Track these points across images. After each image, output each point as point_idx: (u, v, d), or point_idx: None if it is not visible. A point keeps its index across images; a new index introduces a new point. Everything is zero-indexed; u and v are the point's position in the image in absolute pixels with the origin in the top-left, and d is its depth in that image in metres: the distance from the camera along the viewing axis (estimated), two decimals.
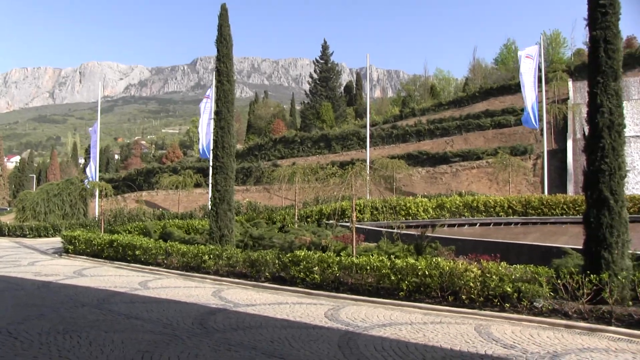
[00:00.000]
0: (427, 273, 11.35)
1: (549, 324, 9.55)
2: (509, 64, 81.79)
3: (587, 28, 10.93)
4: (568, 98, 49.42)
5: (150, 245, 18.49)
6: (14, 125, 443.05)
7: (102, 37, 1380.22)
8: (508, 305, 10.31)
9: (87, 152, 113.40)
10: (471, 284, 10.71)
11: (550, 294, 10.17)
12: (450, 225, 24.46)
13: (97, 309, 10.64)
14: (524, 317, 9.93)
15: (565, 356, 7.61)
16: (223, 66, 18.53)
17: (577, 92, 50.57)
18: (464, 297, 10.84)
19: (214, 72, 19.96)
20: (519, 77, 35.25)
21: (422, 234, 14.78)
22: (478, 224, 25.54)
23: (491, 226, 25.34)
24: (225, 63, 18.55)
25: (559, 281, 10.08)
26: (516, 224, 25.74)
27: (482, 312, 10.42)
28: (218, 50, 18.70)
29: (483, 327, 9.32)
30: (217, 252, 15.90)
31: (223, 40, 18.60)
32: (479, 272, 10.75)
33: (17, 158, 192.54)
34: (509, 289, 10.26)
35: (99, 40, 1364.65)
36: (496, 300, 10.48)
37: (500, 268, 10.59)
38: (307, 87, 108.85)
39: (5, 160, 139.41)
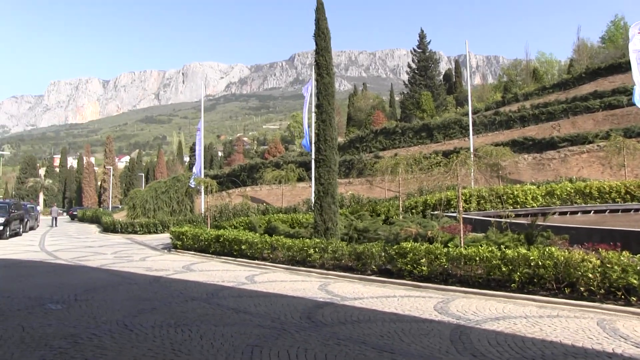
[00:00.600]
0: (540, 263, 10.79)
1: None
2: (618, 41, 77.67)
3: None
4: None
5: (255, 240, 18.68)
6: (124, 127, 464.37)
7: (203, 38, 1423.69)
8: (634, 299, 9.56)
9: (192, 150, 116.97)
10: (590, 275, 10.06)
11: None
12: (561, 213, 23.30)
13: (206, 303, 10.77)
14: None
15: None
16: (322, 59, 18.44)
17: None
18: (582, 289, 10.20)
19: (313, 66, 19.90)
20: (631, 53, 33.26)
21: (532, 222, 14.17)
22: (592, 211, 24.12)
23: (607, 213, 23.89)
24: (324, 56, 18.45)
25: None
26: (636, 210, 24.01)
27: (604, 305, 9.70)
28: (316, 44, 18.62)
29: (607, 323, 8.69)
30: (322, 246, 15.84)
31: (321, 34, 18.50)
32: (598, 262, 10.07)
33: (127, 158, 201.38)
34: (634, 281, 9.49)
35: (200, 42, 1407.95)
36: (620, 294, 9.76)
37: (622, 258, 9.87)
38: (405, 77, 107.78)
39: (117, 160, 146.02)
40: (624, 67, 54.20)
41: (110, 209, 78.75)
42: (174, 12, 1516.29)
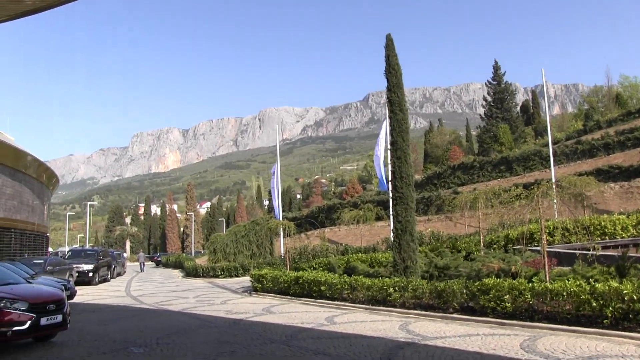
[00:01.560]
0: (635, 297, 10.18)
1: None
2: None
3: None
4: None
5: (334, 281, 18.54)
6: (204, 174, 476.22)
7: (278, 83, 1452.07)
8: None
9: (270, 194, 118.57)
10: None
11: None
12: None
13: (285, 345, 10.71)
14: None
15: None
16: (394, 96, 18.35)
17: None
18: None
19: (386, 103, 19.83)
20: None
21: (623, 254, 13.48)
22: None
23: None
24: (395, 92, 18.36)
25: None
26: None
27: None
28: (388, 80, 18.55)
29: None
30: (402, 284, 15.56)
31: (392, 70, 18.44)
32: None
33: (208, 204, 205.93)
34: None
35: (275, 87, 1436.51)
36: None
37: None
38: (480, 111, 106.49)
39: (198, 206, 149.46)
40: None
41: (192, 254, 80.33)
42: (249, 59, 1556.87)
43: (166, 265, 70.34)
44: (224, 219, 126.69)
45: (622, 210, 31.72)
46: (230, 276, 36.77)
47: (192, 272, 41.36)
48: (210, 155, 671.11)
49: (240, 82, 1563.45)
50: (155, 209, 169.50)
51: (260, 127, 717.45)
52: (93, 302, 21.80)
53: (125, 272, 50.08)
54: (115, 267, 41.57)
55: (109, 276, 37.94)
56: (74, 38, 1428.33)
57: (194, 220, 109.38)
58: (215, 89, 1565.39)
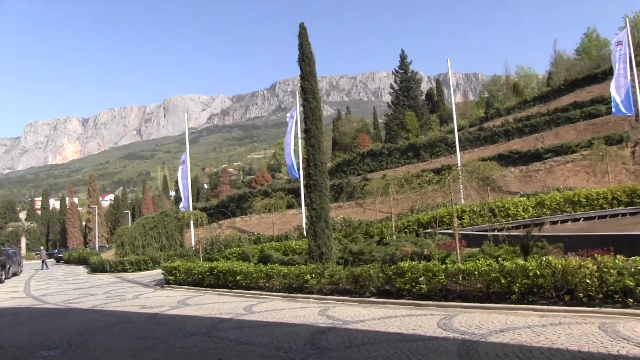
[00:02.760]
0: (538, 273, 10.86)
1: None
2: (592, 53, 79.44)
3: None
4: None
5: (250, 270, 18.56)
6: (106, 165, 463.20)
7: (182, 71, 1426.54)
8: (631, 300, 9.66)
9: (177, 184, 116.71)
10: (588, 281, 10.15)
11: None
12: (552, 223, 23.52)
13: (207, 337, 10.68)
14: None
15: None
16: (307, 84, 18.52)
17: None
18: (581, 295, 10.28)
19: (299, 91, 20.01)
20: (613, 64, 33.99)
21: (527, 233, 14.23)
22: (582, 219, 24.40)
23: (596, 220, 24.16)
24: (309, 81, 18.54)
25: None
26: (623, 215, 24.30)
27: (604, 309, 9.82)
28: (301, 69, 18.70)
29: (608, 326, 8.79)
30: (318, 271, 15.79)
31: (305, 59, 18.61)
32: (595, 267, 10.17)
33: (112, 196, 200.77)
34: (630, 283, 9.62)
35: (180, 75, 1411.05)
36: (617, 297, 9.86)
37: (617, 261, 9.99)
38: (387, 99, 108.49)
39: (101, 199, 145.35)
40: (600, 77, 55.44)
41: (97, 249, 78.22)
42: (152, 46, 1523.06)
43: (68, 261, 67.63)
44: (129, 211, 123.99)
45: (521, 192, 33.35)
46: (140, 270, 36.05)
47: (98, 268, 40.18)
48: (113, 146, 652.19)
49: (143, 69, 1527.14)
50: (53, 203, 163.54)
51: (165, 115, 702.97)
52: None
53: (22, 271, 47.62)
54: (10, 266, 38.96)
55: (4, 276, 35.53)
56: None
57: (97, 214, 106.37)
58: (117, 76, 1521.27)
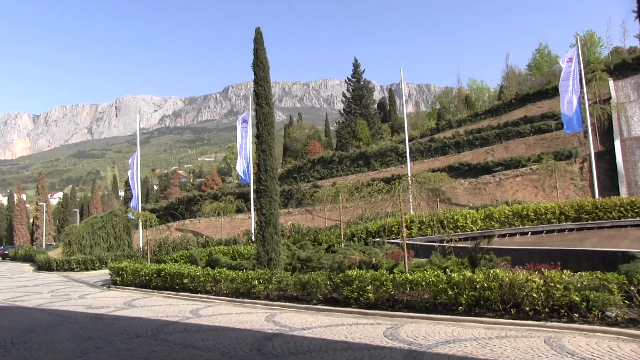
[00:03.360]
0: (485, 285, 10.94)
1: (628, 335, 8.91)
2: (543, 68, 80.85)
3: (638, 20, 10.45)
4: (610, 98, 48.13)
5: (198, 273, 18.40)
6: (55, 163, 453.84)
7: (135, 71, 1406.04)
8: (577, 315, 9.79)
9: (127, 184, 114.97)
10: (534, 295, 10.25)
11: (623, 302, 9.54)
12: (501, 236, 23.66)
13: (152, 340, 10.50)
14: (597, 327, 9.39)
15: None
16: (261, 89, 18.41)
17: (619, 91, 49.37)
18: (527, 308, 10.38)
19: (252, 96, 19.84)
20: (560, 82, 34.59)
21: (475, 245, 14.30)
22: (529, 233, 24.67)
23: (544, 234, 24.44)
24: (262, 86, 18.43)
25: (632, 288, 9.50)
26: (570, 230, 24.65)
27: (550, 323, 9.93)
28: (255, 74, 18.58)
29: (554, 340, 8.85)
30: (266, 277, 15.67)
31: (259, 64, 18.50)
32: (541, 281, 10.29)
33: (60, 194, 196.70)
34: (576, 298, 9.76)
35: (133, 75, 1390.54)
36: (563, 311, 9.97)
37: (563, 276, 10.11)
38: (339, 107, 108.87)
39: (49, 196, 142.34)
40: (551, 93, 56.41)
41: (44, 247, 76.43)
42: (106, 44, 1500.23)
43: (14, 259, 66.28)
44: (77, 210, 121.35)
45: (471, 204, 33.73)
46: (87, 269, 35.42)
47: (44, 266, 39.27)
48: (63, 143, 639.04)
49: (95, 67, 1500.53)
50: (1, 199, 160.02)
51: (116, 115, 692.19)
52: None
53: None
54: None
55: None
56: None
57: (45, 211, 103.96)
58: (69, 73, 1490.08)
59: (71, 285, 25.94)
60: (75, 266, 35.91)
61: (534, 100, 60.61)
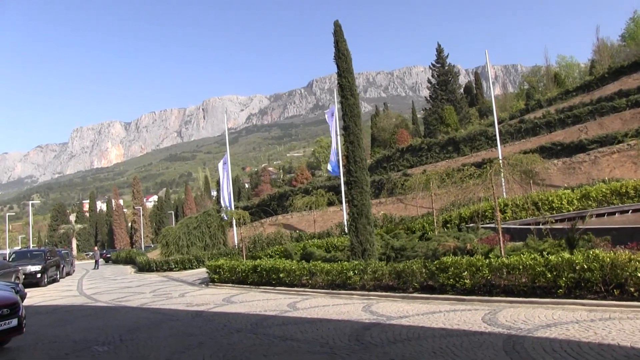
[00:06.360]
0: (585, 267, 10.63)
1: None
2: (638, 37, 76.99)
3: None
4: None
5: (293, 267, 18.63)
6: (148, 167, 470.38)
7: (220, 72, 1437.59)
8: None
9: (218, 184, 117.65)
10: (639, 275, 9.91)
11: None
12: (598, 215, 22.88)
13: (252, 334, 10.73)
14: None
15: None
16: (345, 81, 18.45)
17: None
18: (632, 289, 10.02)
19: (336, 88, 19.91)
20: None
21: (572, 226, 13.94)
22: (630, 211, 23.58)
23: None
24: (346, 77, 18.46)
25: None
26: None
27: None
28: (338, 66, 18.61)
29: None
30: (361, 267, 15.74)
31: (341, 56, 18.53)
32: None
33: (155, 197, 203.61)
34: None
35: (218, 76, 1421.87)
36: None
37: None
38: (424, 93, 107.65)
39: (145, 200, 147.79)
40: None
41: (143, 249, 79.31)
42: (191, 48, 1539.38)
43: (116, 261, 68.98)
44: (172, 212, 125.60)
45: (565, 185, 32.71)
46: (185, 269, 36.39)
47: (145, 267, 40.70)
48: (155, 148, 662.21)
49: (182, 72, 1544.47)
50: (100, 205, 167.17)
51: (204, 117, 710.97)
52: (45, 304, 21.16)
53: (74, 270, 48.85)
54: (64, 266, 40.45)
55: (58, 276, 36.98)
56: (4, 29, 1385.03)
57: (142, 215, 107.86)
58: (157, 80, 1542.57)
59: (171, 284, 26.77)
60: (173, 266, 37.00)
61: (629, 73, 58.00)
